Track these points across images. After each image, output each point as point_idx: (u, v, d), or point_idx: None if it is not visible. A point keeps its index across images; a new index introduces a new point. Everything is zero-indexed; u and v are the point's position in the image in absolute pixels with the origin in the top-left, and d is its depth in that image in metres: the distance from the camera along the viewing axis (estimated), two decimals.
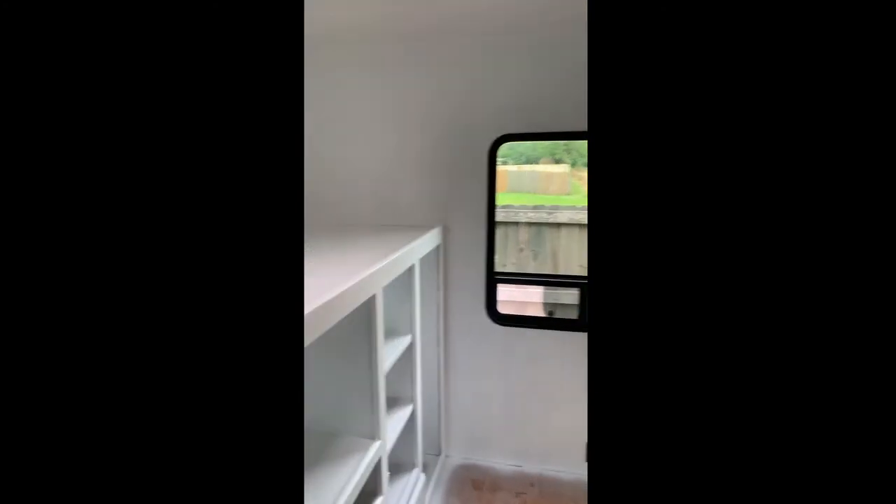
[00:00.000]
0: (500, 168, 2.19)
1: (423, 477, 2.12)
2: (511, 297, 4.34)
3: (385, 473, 1.57)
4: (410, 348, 1.90)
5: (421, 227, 2.07)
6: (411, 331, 1.90)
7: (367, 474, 1.42)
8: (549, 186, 8.88)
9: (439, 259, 2.20)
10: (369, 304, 1.40)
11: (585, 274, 4.42)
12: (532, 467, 2.35)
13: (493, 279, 2.23)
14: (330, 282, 1.17)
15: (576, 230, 4.48)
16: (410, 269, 1.83)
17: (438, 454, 2.39)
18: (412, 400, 1.96)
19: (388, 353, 1.69)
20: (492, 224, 2.19)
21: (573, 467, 2.29)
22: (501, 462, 2.38)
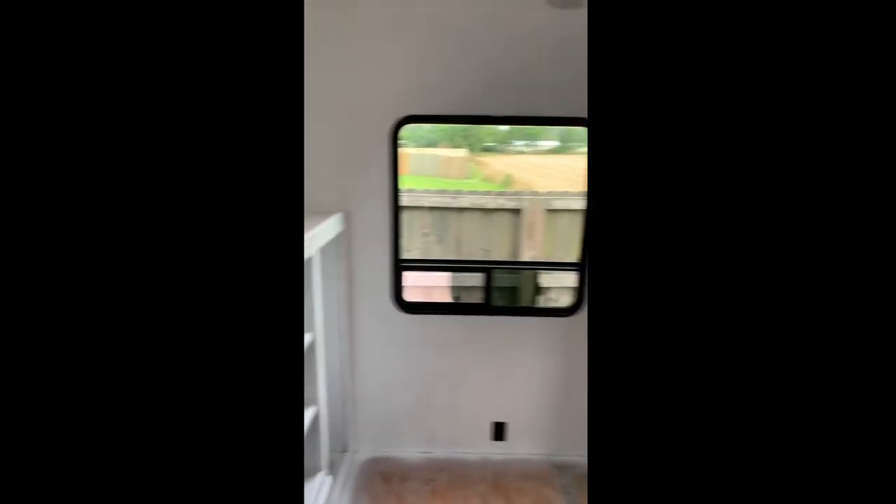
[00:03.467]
0: (401, 151, 2.09)
1: (328, 479, 2.00)
2: (417, 284, 4.32)
3: None
4: (311, 347, 1.76)
5: (320, 213, 1.91)
6: (311, 328, 1.75)
7: None
8: (449, 170, 8.98)
9: (341, 247, 2.06)
10: None
11: (487, 258, 4.55)
12: (441, 452, 2.35)
13: (400, 266, 2.16)
14: None
15: (478, 214, 4.57)
16: (308, 262, 1.67)
17: (346, 451, 2.28)
18: (315, 402, 1.82)
19: None
20: (397, 208, 2.10)
21: (480, 447, 2.35)
22: (411, 451, 2.35)
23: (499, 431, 2.33)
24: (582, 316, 2.18)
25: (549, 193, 4.75)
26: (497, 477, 2.22)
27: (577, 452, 2.35)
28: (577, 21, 1.83)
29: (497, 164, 9.28)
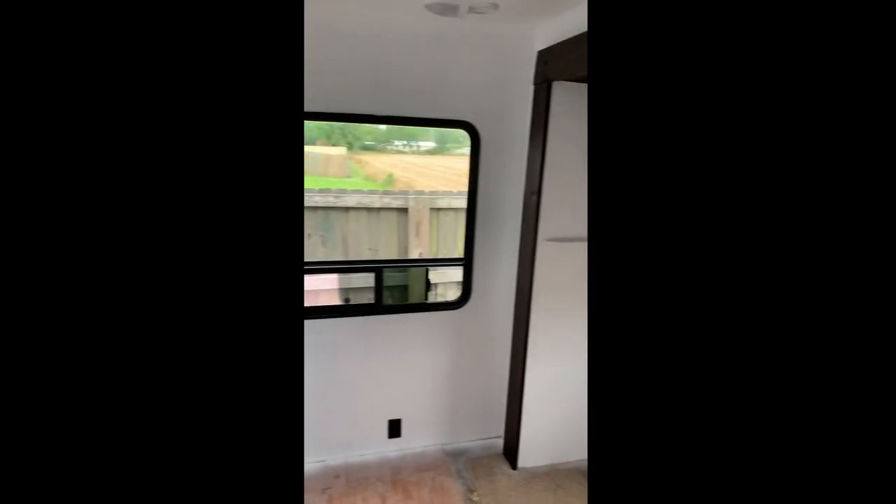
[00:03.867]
0: None
1: None
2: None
3: None
4: None
5: None
6: None
7: None
8: (329, 169, 8.68)
9: None
10: None
11: (376, 258, 4.50)
12: (336, 459, 2.30)
13: None
14: None
15: (364, 214, 4.51)
16: None
17: None
18: None
19: None
20: None
21: (376, 447, 2.35)
22: (305, 462, 2.25)
23: (394, 428, 2.36)
24: (469, 307, 2.31)
25: (434, 193, 4.89)
26: (395, 473, 2.25)
27: (468, 438, 2.48)
28: (455, 28, 1.93)
29: (377, 162, 9.23)
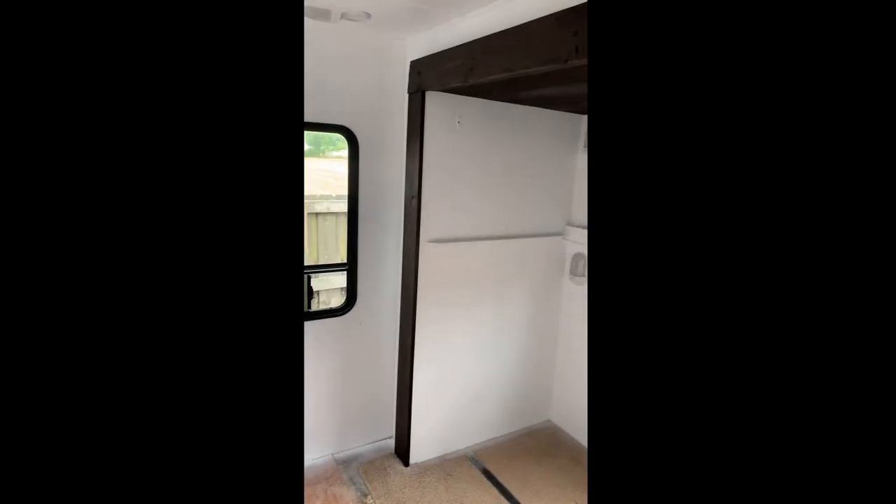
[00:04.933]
0: None
1: None
2: None
3: None
4: None
5: None
6: None
7: None
8: None
9: None
10: None
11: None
12: None
13: None
14: None
15: None
16: None
17: None
18: None
19: None
20: None
21: None
22: None
23: None
24: (354, 312, 2.30)
25: (311, 197, 4.71)
26: None
27: (360, 443, 2.48)
28: (331, 34, 1.92)
29: None
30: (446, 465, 2.40)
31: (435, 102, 2.02)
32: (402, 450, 2.41)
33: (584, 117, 2.50)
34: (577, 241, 2.53)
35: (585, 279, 2.54)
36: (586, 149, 2.49)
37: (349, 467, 2.34)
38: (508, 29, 1.43)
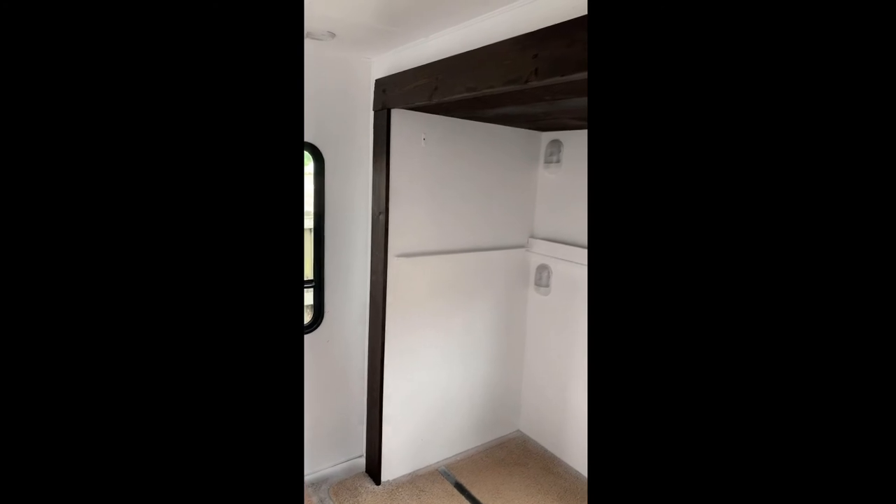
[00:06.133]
0: None
1: None
2: None
3: None
4: None
5: None
6: None
7: None
8: None
9: None
10: None
11: None
12: None
13: None
14: None
15: None
16: None
17: None
18: None
19: None
20: None
21: None
22: None
23: None
24: (321, 330, 2.27)
25: None
26: None
27: (329, 464, 2.42)
28: None
29: None
30: (418, 481, 2.38)
31: (400, 120, 2.06)
32: (372, 468, 2.37)
33: (544, 134, 2.61)
34: (541, 253, 2.61)
35: (550, 290, 2.62)
36: (547, 164, 2.59)
37: (319, 489, 2.28)
38: (472, 50, 1.50)
